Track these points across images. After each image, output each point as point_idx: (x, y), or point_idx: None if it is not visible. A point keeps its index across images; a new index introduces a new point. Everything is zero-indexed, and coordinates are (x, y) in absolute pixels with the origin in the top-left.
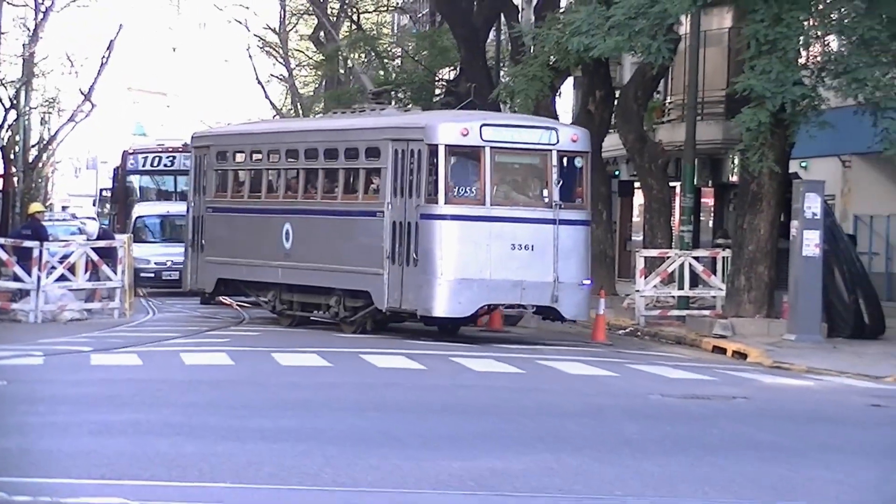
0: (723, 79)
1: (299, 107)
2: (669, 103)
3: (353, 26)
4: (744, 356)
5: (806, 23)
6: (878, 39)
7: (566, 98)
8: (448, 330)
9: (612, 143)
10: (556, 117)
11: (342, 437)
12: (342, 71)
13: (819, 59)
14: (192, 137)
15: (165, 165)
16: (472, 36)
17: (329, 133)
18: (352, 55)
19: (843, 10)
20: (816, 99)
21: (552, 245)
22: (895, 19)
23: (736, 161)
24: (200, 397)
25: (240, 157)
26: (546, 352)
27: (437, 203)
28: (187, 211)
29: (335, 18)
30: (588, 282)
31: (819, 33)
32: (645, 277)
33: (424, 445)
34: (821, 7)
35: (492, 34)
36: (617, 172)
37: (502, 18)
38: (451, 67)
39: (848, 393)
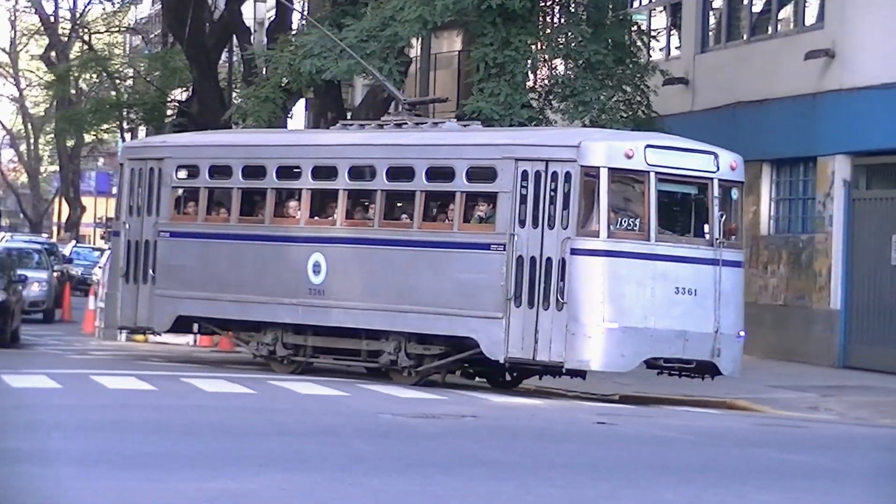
0: (453, 101)
1: (30, 127)
2: None
3: (85, 46)
4: (473, 375)
5: (534, 47)
6: (604, 63)
7: (298, 119)
8: (503, 384)
9: None
10: None
11: (74, 458)
12: (73, 91)
13: (547, 82)
14: (125, 148)
15: None
16: (204, 57)
17: (396, 149)
18: (83, 75)
19: (569, 34)
20: (544, 121)
21: (714, 289)
22: (620, 44)
23: None
24: None
25: (221, 173)
26: (279, 371)
27: (596, 236)
28: (115, 234)
29: (67, 38)
30: (744, 333)
31: (546, 57)
32: None
33: (158, 466)
34: (548, 31)
35: (224, 55)
36: None
37: (234, 40)
38: (184, 88)
39: (575, 411)
